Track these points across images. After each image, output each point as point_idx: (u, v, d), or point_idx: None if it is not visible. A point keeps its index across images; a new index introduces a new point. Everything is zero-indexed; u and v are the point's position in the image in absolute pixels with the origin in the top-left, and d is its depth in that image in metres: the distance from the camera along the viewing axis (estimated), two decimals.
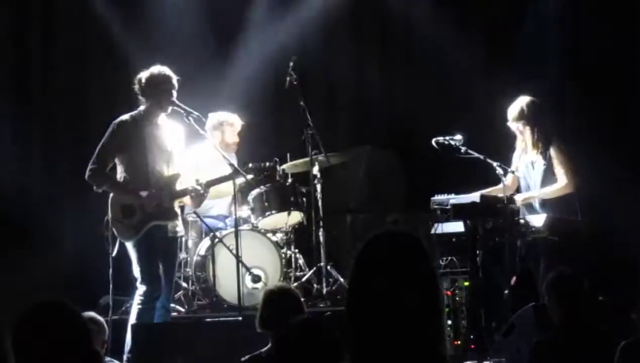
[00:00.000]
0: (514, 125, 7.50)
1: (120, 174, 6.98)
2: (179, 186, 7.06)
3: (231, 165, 7.37)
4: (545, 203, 7.29)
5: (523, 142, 7.49)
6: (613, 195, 8.87)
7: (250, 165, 7.52)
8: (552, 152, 7.36)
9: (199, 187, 7.01)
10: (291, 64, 8.68)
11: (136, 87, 7.07)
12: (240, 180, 7.55)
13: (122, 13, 9.87)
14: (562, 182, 7.32)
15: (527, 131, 7.44)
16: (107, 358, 6.06)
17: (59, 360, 2.99)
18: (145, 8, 9.96)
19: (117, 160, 6.99)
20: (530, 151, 7.45)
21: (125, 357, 6.63)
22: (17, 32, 9.73)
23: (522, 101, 7.49)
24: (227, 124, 8.60)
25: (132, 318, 6.86)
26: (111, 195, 6.94)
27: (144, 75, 7.05)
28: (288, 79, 8.66)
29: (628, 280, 8.05)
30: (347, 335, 2.81)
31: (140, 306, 6.83)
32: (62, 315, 3.07)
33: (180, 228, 7.20)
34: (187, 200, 7.20)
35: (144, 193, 6.89)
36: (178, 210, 7.14)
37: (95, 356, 3.11)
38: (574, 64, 9.56)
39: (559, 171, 7.33)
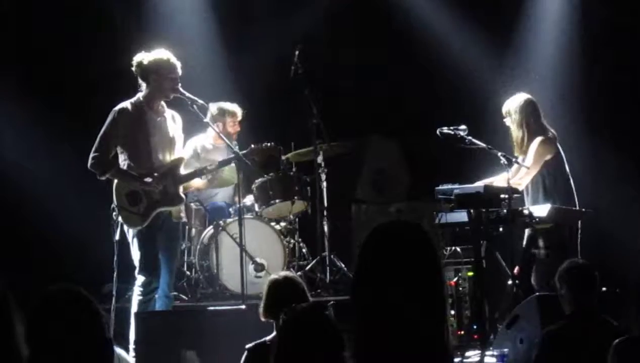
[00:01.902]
0: (507, 121, 7.53)
1: (122, 161, 6.92)
2: (182, 170, 7.03)
3: (235, 153, 7.36)
4: (548, 194, 7.29)
5: (513, 138, 7.53)
6: (615, 188, 8.89)
7: (252, 146, 7.47)
8: (535, 144, 7.36)
9: (212, 166, 7.04)
10: (297, 53, 8.68)
11: (136, 69, 6.94)
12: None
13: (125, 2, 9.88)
14: (521, 173, 7.33)
15: (517, 128, 7.46)
16: None
17: (73, 347, 2.98)
18: None
19: (119, 148, 6.92)
20: (518, 148, 7.47)
21: (131, 347, 6.62)
22: (21, 21, 9.72)
23: (514, 99, 7.50)
24: (228, 114, 8.61)
25: (134, 309, 6.86)
26: (115, 182, 6.89)
27: (146, 58, 6.89)
28: (293, 68, 8.66)
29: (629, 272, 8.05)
30: (351, 324, 2.81)
31: (140, 297, 6.83)
32: (78, 301, 3.06)
33: (183, 214, 7.19)
34: (194, 183, 7.19)
35: (148, 180, 6.85)
36: (183, 195, 7.11)
37: (108, 344, 3.10)
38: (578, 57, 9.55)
39: (527, 163, 7.35)
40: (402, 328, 2.73)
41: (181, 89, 6.96)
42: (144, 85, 6.97)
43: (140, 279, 6.84)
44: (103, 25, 9.87)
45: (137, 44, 8.31)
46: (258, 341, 5.02)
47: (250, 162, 7.28)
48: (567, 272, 5.33)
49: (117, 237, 6.78)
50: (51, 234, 9.25)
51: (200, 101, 7.09)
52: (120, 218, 6.80)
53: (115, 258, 6.76)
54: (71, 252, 8.95)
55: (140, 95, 6.98)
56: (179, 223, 7.16)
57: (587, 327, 5.10)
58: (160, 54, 6.92)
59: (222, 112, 8.58)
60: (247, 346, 5.05)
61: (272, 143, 7.55)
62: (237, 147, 8.24)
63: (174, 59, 6.92)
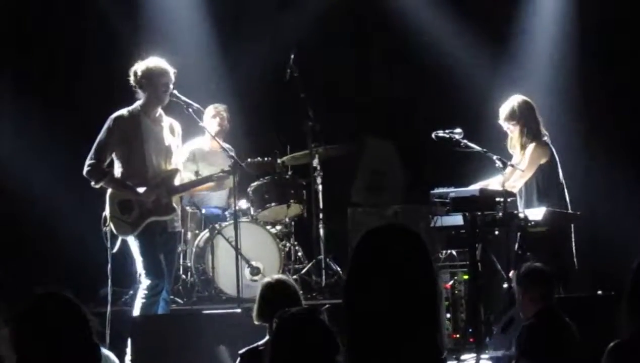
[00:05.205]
0: (505, 124, 7.51)
1: (117, 168, 6.94)
2: (177, 181, 7.05)
3: (231, 157, 7.39)
4: (542, 198, 7.29)
5: (512, 140, 7.51)
6: (609, 191, 8.89)
7: (248, 160, 7.53)
8: (530, 148, 7.36)
9: (222, 174, 7.09)
10: (292, 56, 8.69)
11: (132, 79, 6.98)
12: None
13: (121, 3, 9.87)
14: (515, 176, 7.31)
15: (517, 131, 7.44)
16: None
17: (58, 352, 2.99)
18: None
19: (114, 155, 6.94)
20: (518, 150, 7.45)
21: (128, 350, 6.62)
22: (19, 24, 9.74)
23: (513, 100, 7.48)
24: (210, 116, 8.59)
25: (136, 312, 6.86)
26: (109, 191, 6.89)
27: (139, 67, 6.95)
28: (289, 71, 8.67)
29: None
30: (344, 328, 2.81)
31: (144, 300, 6.83)
32: (63, 307, 3.06)
33: (178, 224, 7.19)
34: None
35: (141, 190, 6.87)
36: (176, 206, 7.12)
37: (94, 349, 3.10)
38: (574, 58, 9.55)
39: (522, 167, 7.33)
40: (395, 331, 2.73)
41: (176, 93, 7.00)
42: (140, 93, 7.00)
43: (145, 283, 6.86)
44: (101, 28, 9.88)
45: (133, 48, 8.34)
46: (251, 346, 5.01)
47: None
48: (524, 277, 5.40)
49: (111, 245, 6.78)
50: (50, 236, 9.25)
51: (196, 105, 7.14)
52: (111, 226, 6.80)
53: (109, 265, 6.77)
54: (71, 254, 8.95)
55: (137, 103, 7.01)
56: (175, 233, 7.17)
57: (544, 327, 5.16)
58: (152, 61, 6.98)
59: (214, 115, 8.60)
60: (240, 352, 5.04)
61: (269, 157, 7.59)
62: (233, 151, 8.26)
63: (166, 64, 6.97)
